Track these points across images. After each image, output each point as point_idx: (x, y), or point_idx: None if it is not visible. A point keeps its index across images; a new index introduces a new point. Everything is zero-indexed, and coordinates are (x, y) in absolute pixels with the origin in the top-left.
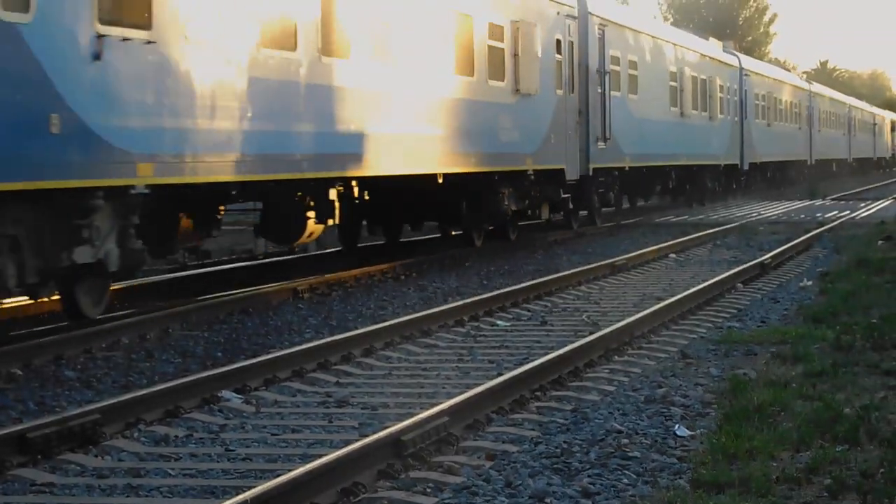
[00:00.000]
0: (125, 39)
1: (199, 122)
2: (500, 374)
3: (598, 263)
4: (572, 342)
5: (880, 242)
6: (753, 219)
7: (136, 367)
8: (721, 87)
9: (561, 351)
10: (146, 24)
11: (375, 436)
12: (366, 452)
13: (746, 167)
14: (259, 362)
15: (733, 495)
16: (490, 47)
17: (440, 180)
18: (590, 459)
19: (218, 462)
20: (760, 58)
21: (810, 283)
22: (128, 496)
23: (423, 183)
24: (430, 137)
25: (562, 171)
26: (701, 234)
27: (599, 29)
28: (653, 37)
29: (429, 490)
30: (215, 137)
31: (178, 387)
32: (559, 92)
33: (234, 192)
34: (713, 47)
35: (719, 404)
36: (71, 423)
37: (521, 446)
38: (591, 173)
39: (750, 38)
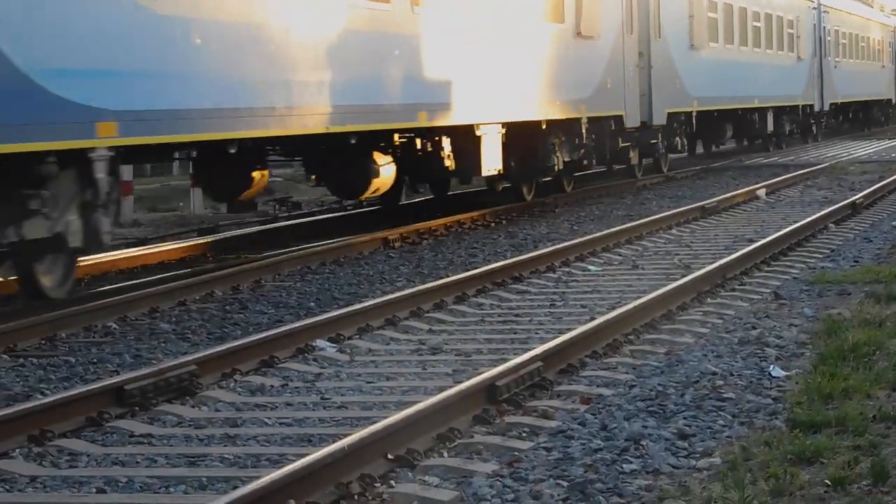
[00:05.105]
0: None
1: None
2: (592, 319)
3: (688, 207)
4: (664, 285)
5: None
6: (843, 159)
7: (231, 319)
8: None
9: (653, 294)
10: None
11: (470, 382)
12: (461, 398)
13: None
14: (352, 311)
15: (830, 434)
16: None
17: None
18: (685, 401)
19: (314, 410)
20: None
21: None
22: (225, 445)
23: None
24: None
25: None
26: (791, 174)
27: None
28: None
29: (524, 434)
30: None
31: (272, 337)
32: None
33: None
34: None
35: (814, 344)
36: (168, 375)
37: (615, 390)
38: None
39: None
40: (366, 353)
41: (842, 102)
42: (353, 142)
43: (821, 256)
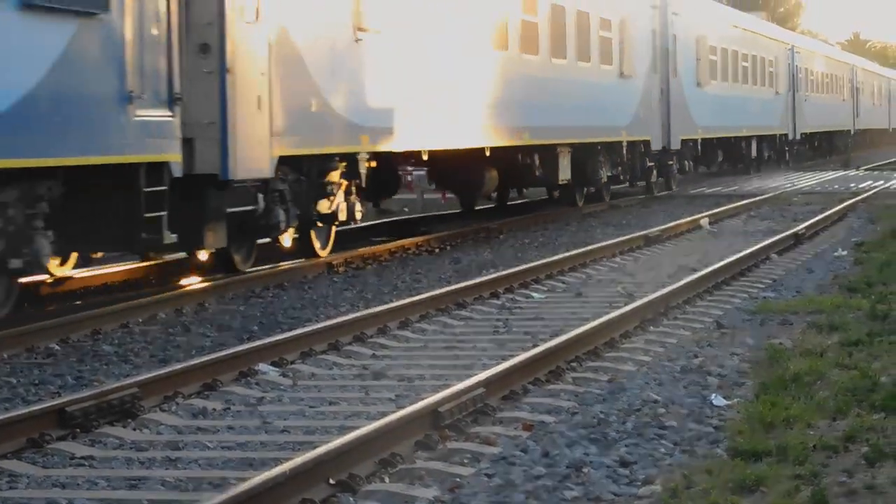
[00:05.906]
0: None
1: None
2: (535, 346)
3: (632, 235)
4: (608, 313)
5: None
6: (787, 189)
7: (173, 341)
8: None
9: (596, 322)
10: None
11: (412, 407)
12: (403, 424)
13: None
14: (295, 335)
15: (771, 463)
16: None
17: None
18: (626, 429)
19: (256, 434)
20: (793, 29)
21: (845, 252)
22: (167, 468)
23: None
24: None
25: None
26: (735, 204)
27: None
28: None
29: (466, 461)
30: None
31: (215, 360)
32: None
33: None
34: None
35: (755, 374)
36: (110, 397)
37: (557, 416)
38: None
39: (782, 9)
40: (309, 378)
41: (810, 132)
42: (487, 154)
43: (763, 286)
